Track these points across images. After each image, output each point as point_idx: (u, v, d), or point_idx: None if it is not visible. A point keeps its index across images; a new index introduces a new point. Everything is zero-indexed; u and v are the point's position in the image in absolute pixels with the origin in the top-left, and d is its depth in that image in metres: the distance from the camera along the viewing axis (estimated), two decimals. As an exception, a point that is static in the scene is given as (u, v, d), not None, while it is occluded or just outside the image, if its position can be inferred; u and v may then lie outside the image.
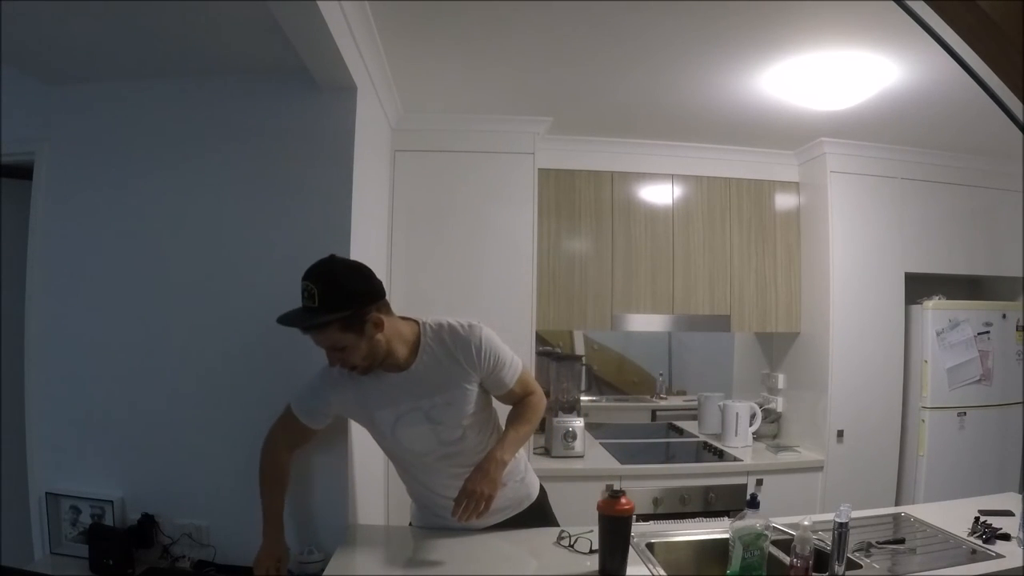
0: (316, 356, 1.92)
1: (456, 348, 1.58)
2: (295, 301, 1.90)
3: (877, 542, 1.69)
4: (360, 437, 2.07)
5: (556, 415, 3.04)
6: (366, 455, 2.18)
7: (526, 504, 1.79)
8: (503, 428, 1.69)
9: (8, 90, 1.97)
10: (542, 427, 2.86)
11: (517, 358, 1.69)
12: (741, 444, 3.19)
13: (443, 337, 1.59)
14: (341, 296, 1.43)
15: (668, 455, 3.47)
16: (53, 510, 1.89)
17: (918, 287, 3.16)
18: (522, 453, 1.78)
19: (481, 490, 1.50)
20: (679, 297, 3.17)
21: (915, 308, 3.10)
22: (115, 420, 1.93)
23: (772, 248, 3.27)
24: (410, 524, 1.85)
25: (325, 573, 1.54)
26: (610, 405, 4.40)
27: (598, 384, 4.48)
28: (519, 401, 1.71)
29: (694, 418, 3.69)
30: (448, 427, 1.61)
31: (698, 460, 3.12)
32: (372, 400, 1.60)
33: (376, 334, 1.48)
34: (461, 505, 1.50)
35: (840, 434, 3.00)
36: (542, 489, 1.87)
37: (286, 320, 1.47)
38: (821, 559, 1.53)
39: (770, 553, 1.47)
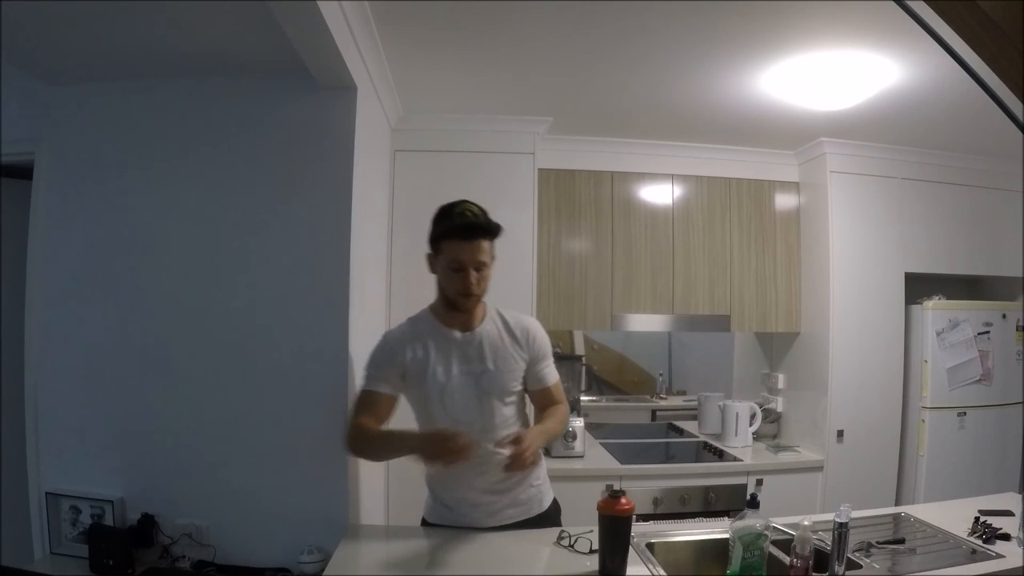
0: (317, 356, 1.93)
1: (515, 327, 1.73)
2: (295, 300, 1.91)
3: (877, 542, 1.69)
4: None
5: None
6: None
7: (536, 511, 1.78)
8: None
9: (8, 90, 1.97)
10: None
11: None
12: (741, 444, 3.19)
13: (506, 316, 1.75)
14: (491, 218, 1.63)
15: (668, 455, 3.46)
16: (53, 510, 1.89)
17: (918, 287, 3.16)
18: (543, 463, 1.82)
19: (531, 441, 1.51)
20: (679, 297, 3.17)
21: (915, 308, 3.10)
22: (115, 420, 1.93)
23: (772, 248, 3.27)
24: (423, 521, 1.83)
25: (325, 573, 1.54)
26: (610, 405, 4.40)
27: (598, 384, 4.48)
28: (550, 406, 1.78)
29: (694, 418, 3.69)
30: (491, 400, 1.67)
31: (698, 460, 3.12)
32: (431, 355, 1.67)
33: (491, 265, 1.66)
34: (514, 445, 1.49)
35: (840, 434, 3.00)
36: (555, 502, 1.87)
37: (460, 222, 1.58)
38: (821, 559, 1.53)
39: (770, 553, 1.47)
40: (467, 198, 1.67)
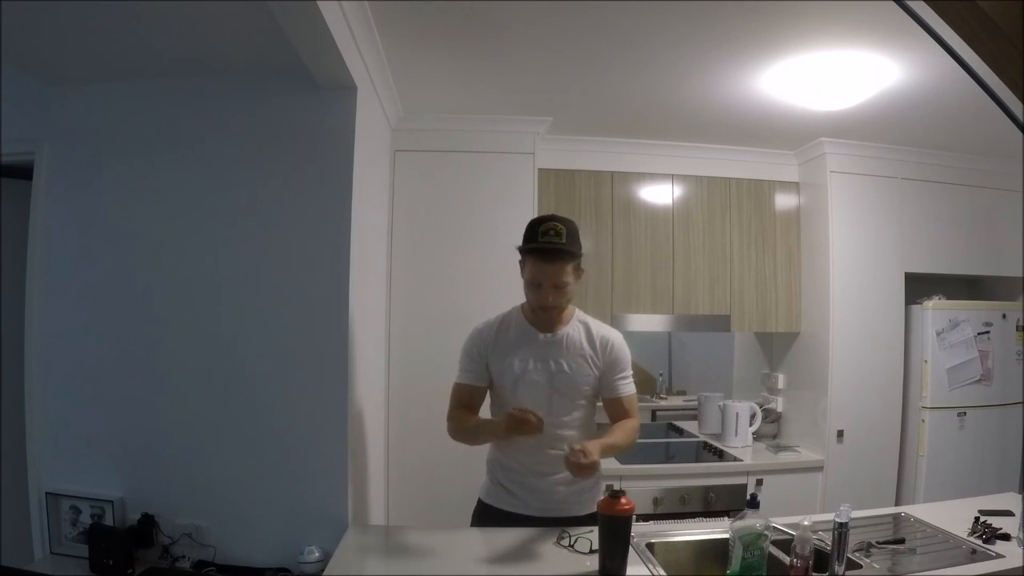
0: (317, 356, 1.93)
1: (594, 335, 1.80)
2: (296, 299, 1.91)
3: (877, 542, 1.69)
4: (360, 437, 2.08)
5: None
6: (366, 455, 2.18)
7: (585, 511, 1.79)
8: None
9: (8, 90, 1.97)
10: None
11: (634, 384, 1.87)
12: (741, 444, 3.19)
13: (589, 323, 1.83)
14: (578, 241, 1.71)
15: (668, 455, 3.46)
16: (53, 510, 1.89)
17: (918, 287, 3.16)
18: (600, 471, 1.84)
19: (593, 452, 1.55)
20: (679, 297, 3.17)
21: (915, 308, 3.10)
22: (115, 420, 1.93)
23: (772, 248, 3.27)
24: (478, 501, 1.87)
25: (325, 573, 1.54)
26: (610, 405, 4.39)
27: (598, 384, 4.48)
28: (622, 418, 1.82)
29: (694, 418, 3.69)
30: (562, 398, 1.75)
31: (698, 460, 3.12)
32: (515, 349, 1.77)
33: (577, 280, 1.74)
34: (576, 456, 1.53)
35: (840, 434, 3.00)
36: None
37: (540, 244, 1.64)
38: (821, 559, 1.53)
39: (770, 553, 1.47)
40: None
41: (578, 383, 1.76)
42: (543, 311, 1.74)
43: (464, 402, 1.81)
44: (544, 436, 1.68)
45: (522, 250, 1.71)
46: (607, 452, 1.71)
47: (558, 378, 1.75)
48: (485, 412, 1.86)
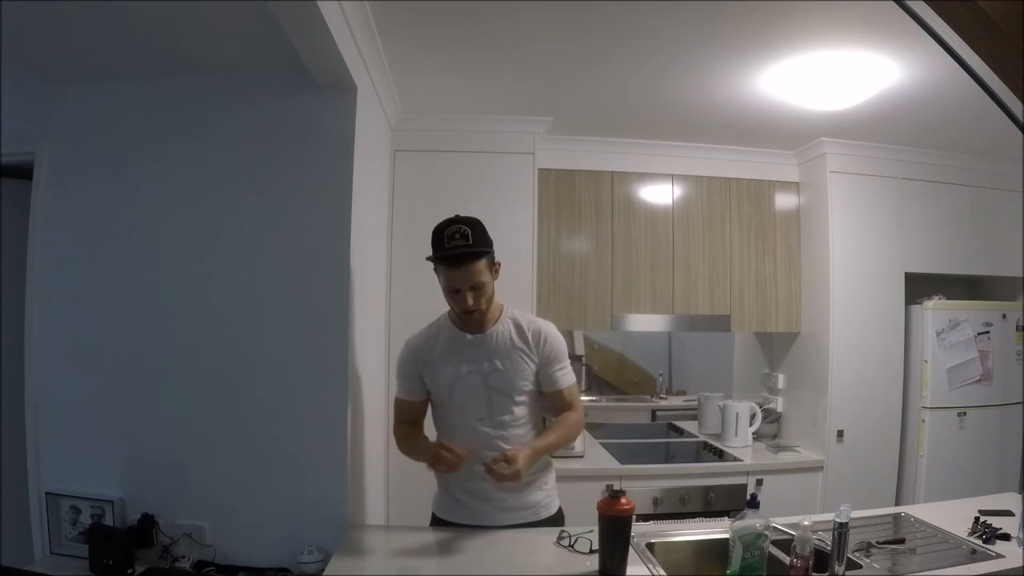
0: (317, 356, 1.93)
1: (526, 329, 1.78)
2: (296, 299, 1.91)
3: (877, 542, 1.69)
4: (360, 437, 2.08)
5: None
6: (366, 455, 2.18)
7: (544, 515, 1.80)
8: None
9: (8, 90, 1.97)
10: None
11: (573, 373, 1.84)
12: (741, 444, 3.18)
13: (518, 318, 1.81)
14: (486, 237, 1.70)
15: (668, 455, 3.46)
16: (53, 510, 1.89)
17: (918, 287, 3.16)
18: (553, 470, 1.87)
19: (516, 457, 1.57)
20: (679, 297, 3.17)
21: (915, 308, 3.10)
22: (115, 420, 1.93)
23: (772, 248, 3.27)
24: (432, 515, 1.86)
25: (325, 573, 1.54)
26: (610, 405, 4.40)
27: (598, 384, 4.48)
28: (564, 411, 1.81)
29: (694, 418, 3.69)
30: (501, 396, 1.73)
31: (698, 460, 3.12)
32: (445, 356, 1.76)
33: (495, 278, 1.74)
34: (497, 464, 1.55)
35: (840, 434, 3.00)
36: (560, 510, 1.88)
37: (448, 251, 1.63)
38: (821, 559, 1.53)
39: (770, 553, 1.47)
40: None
41: (514, 379, 1.74)
42: (467, 315, 1.71)
43: (405, 416, 1.81)
44: (486, 438, 1.69)
45: (432, 259, 1.69)
46: (540, 453, 1.71)
47: (493, 377, 1.73)
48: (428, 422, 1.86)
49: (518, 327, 1.78)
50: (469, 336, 1.76)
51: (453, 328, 1.78)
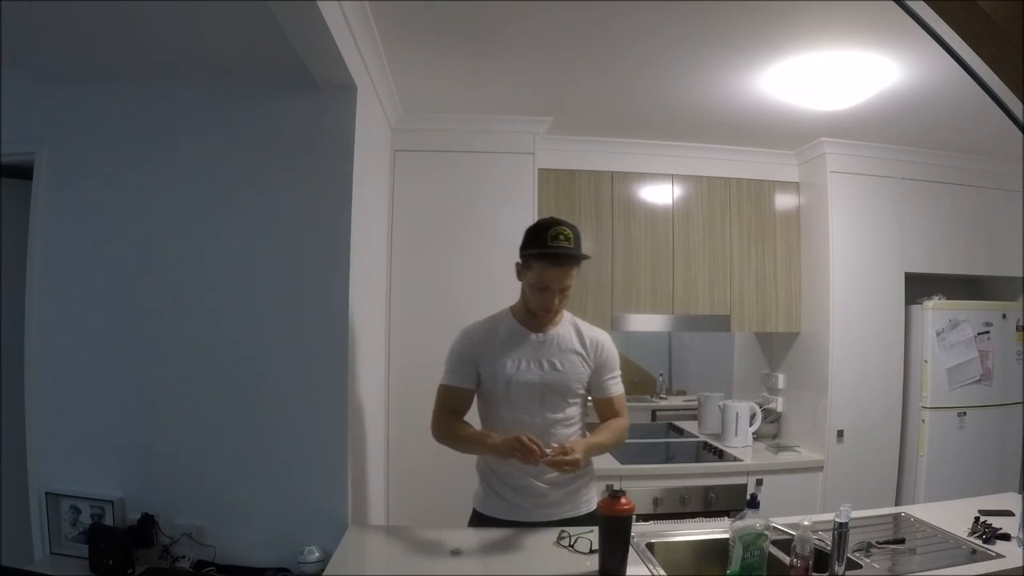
0: (317, 356, 1.93)
1: (585, 336, 1.83)
2: (297, 298, 1.91)
3: (877, 542, 1.69)
4: (360, 437, 2.08)
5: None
6: (366, 456, 2.18)
7: (584, 510, 1.82)
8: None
9: (8, 90, 1.97)
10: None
11: (623, 384, 1.89)
12: (741, 444, 3.18)
13: (579, 325, 1.86)
14: (581, 244, 1.73)
15: (668, 455, 3.46)
16: (53, 510, 1.89)
17: (918, 287, 3.16)
18: (592, 469, 1.89)
19: (575, 448, 1.61)
20: (679, 297, 3.17)
21: (915, 308, 3.10)
22: (115, 420, 1.93)
23: (772, 248, 3.27)
24: (473, 511, 1.86)
25: (325, 573, 1.54)
26: (610, 405, 4.39)
27: (598, 384, 4.48)
28: (611, 418, 1.85)
29: (694, 418, 3.69)
30: (555, 396, 1.77)
31: (698, 460, 3.12)
32: (506, 349, 1.78)
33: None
34: (558, 455, 1.59)
35: (840, 434, 3.00)
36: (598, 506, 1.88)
37: (552, 250, 1.66)
38: (821, 559, 1.53)
39: (770, 553, 1.47)
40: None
41: (570, 381, 1.78)
42: (546, 314, 1.76)
43: (451, 405, 1.80)
44: (536, 434, 1.68)
45: (530, 255, 1.70)
46: (594, 451, 1.77)
47: (551, 376, 1.77)
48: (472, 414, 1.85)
49: (578, 332, 1.83)
50: (533, 335, 1.79)
51: (515, 323, 1.81)
